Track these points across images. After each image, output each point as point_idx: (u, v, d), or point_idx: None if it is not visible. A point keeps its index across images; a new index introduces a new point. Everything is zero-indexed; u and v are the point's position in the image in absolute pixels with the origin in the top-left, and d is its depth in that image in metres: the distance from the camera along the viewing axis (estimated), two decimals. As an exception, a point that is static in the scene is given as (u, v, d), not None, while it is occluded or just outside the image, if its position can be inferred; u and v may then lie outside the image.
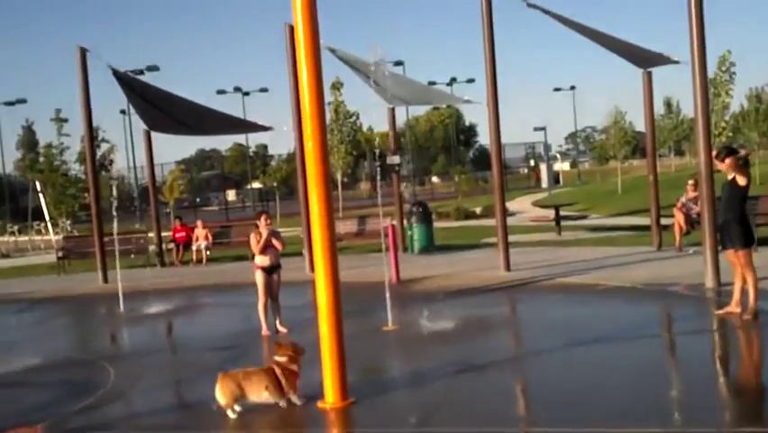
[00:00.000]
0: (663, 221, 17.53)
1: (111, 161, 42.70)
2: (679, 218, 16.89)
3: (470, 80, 56.61)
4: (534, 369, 8.61)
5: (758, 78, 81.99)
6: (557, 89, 67.70)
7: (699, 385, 7.47)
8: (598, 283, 13.50)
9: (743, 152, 10.30)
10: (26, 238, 38.44)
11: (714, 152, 10.46)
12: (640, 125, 32.26)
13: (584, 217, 28.23)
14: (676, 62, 15.98)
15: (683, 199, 17.28)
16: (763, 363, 8.71)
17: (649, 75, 17.18)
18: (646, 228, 18.70)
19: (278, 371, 7.30)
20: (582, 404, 7.03)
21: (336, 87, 44.01)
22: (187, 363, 10.30)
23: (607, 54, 17.24)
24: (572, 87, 67.15)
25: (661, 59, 16.61)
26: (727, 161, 9.81)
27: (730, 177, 9.92)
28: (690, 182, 17.29)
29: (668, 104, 59.17)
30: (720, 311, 10.26)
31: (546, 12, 15.41)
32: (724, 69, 37.20)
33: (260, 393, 7.19)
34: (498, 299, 13.41)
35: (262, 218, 11.35)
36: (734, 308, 10.06)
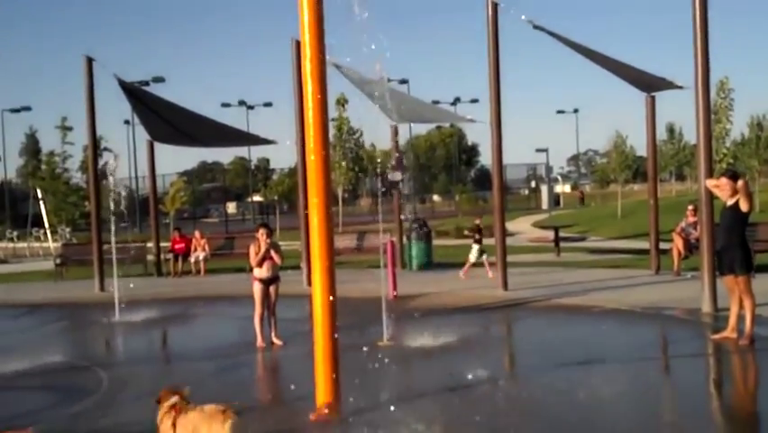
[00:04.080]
0: (662, 245, 17.53)
1: (114, 169, 42.54)
2: (678, 243, 16.89)
3: (474, 100, 56.63)
4: (526, 389, 8.59)
5: (757, 106, 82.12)
6: (560, 112, 67.82)
7: (693, 409, 7.45)
8: (594, 305, 13.49)
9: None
10: (25, 245, 38.42)
11: (720, 175, 10.50)
12: (642, 150, 32.35)
13: (583, 239, 28.23)
14: (680, 87, 16.02)
15: (683, 224, 17.30)
16: (757, 388, 8.69)
17: (652, 100, 17.22)
18: (645, 252, 18.68)
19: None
20: (574, 425, 7.01)
21: (341, 103, 44.09)
22: (179, 372, 10.27)
23: (611, 78, 17.29)
24: (575, 110, 67.24)
25: (664, 84, 16.66)
26: (740, 182, 9.86)
27: (731, 202, 9.94)
28: (690, 207, 17.31)
29: (671, 129, 59.34)
30: (716, 336, 10.26)
31: (552, 34, 15.47)
32: (723, 95, 37.33)
33: None
34: (494, 318, 13.41)
35: (261, 231, 11.35)
36: (730, 333, 10.05)
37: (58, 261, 23.26)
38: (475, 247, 18.25)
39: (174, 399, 6.09)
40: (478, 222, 19.28)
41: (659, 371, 9.58)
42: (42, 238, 38.65)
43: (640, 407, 7.48)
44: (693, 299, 12.43)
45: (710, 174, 12.06)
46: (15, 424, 7.60)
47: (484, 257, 18.12)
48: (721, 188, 10.17)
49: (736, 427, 7.15)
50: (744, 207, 9.81)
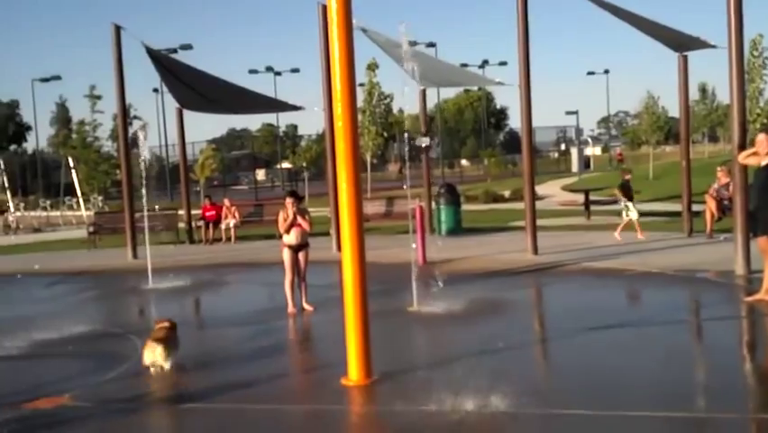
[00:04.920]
0: (695, 207, 17.33)
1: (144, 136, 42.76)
2: (711, 205, 16.70)
3: (503, 63, 56.08)
4: (557, 352, 8.59)
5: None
6: (590, 73, 67.01)
7: (726, 371, 7.40)
8: (626, 269, 13.40)
9: None
10: (58, 213, 38.90)
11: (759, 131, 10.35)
12: (674, 111, 31.91)
13: (614, 202, 27.96)
14: (713, 47, 15.72)
15: (716, 186, 17.08)
16: (791, 351, 8.61)
17: (685, 59, 16.94)
18: (677, 214, 18.50)
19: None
20: (606, 388, 7.00)
21: (372, 68, 43.77)
22: (211, 338, 10.40)
23: (642, 38, 17.01)
24: (606, 71, 66.42)
25: (697, 43, 16.36)
26: None
27: (766, 162, 9.79)
28: (719, 168, 17.11)
29: (703, 90, 58.46)
30: (749, 298, 10.17)
31: (581, -7, 15.23)
32: (756, 53, 36.66)
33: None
34: (524, 283, 13.36)
35: (288, 200, 11.38)
36: (763, 295, 9.96)
37: (91, 229, 23.53)
38: (630, 204, 17.30)
39: (159, 325, 8.29)
40: (628, 177, 18.04)
41: (692, 333, 9.53)
42: (75, 207, 39.11)
43: (672, 369, 7.44)
44: (726, 261, 12.31)
45: (744, 134, 11.88)
46: (51, 391, 7.74)
47: (632, 216, 17.22)
48: (758, 145, 10.00)
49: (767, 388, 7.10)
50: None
